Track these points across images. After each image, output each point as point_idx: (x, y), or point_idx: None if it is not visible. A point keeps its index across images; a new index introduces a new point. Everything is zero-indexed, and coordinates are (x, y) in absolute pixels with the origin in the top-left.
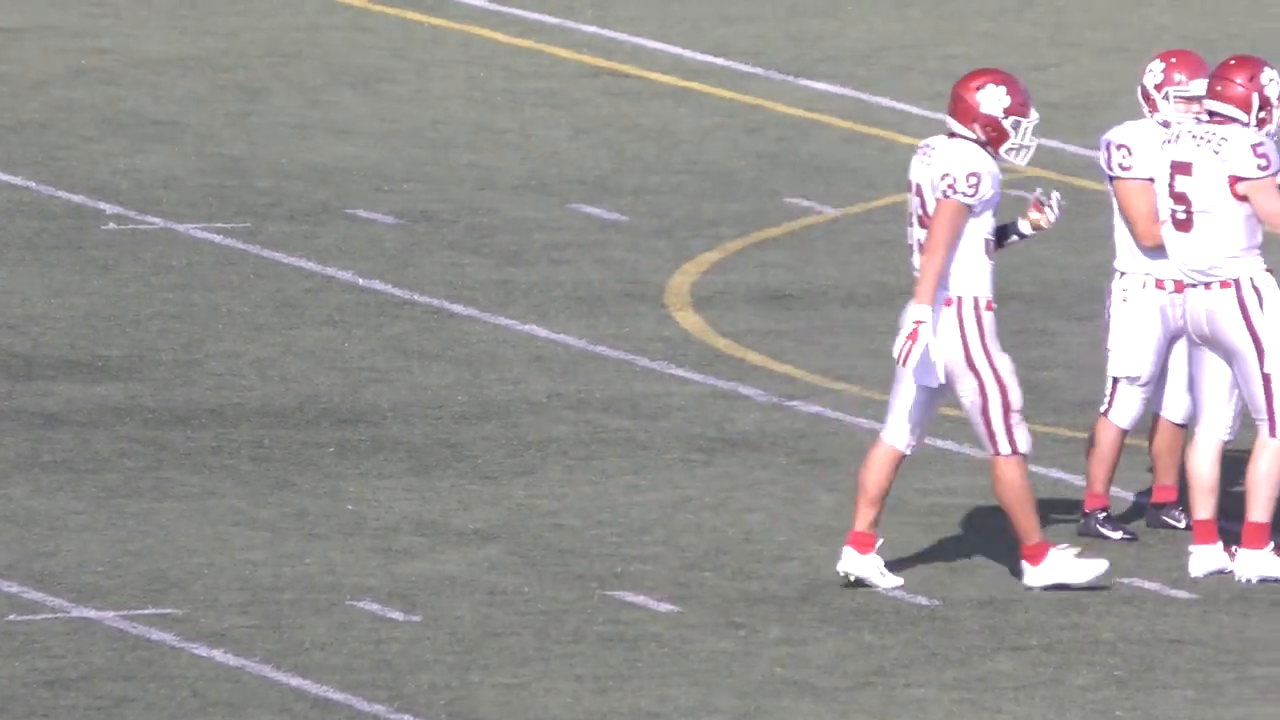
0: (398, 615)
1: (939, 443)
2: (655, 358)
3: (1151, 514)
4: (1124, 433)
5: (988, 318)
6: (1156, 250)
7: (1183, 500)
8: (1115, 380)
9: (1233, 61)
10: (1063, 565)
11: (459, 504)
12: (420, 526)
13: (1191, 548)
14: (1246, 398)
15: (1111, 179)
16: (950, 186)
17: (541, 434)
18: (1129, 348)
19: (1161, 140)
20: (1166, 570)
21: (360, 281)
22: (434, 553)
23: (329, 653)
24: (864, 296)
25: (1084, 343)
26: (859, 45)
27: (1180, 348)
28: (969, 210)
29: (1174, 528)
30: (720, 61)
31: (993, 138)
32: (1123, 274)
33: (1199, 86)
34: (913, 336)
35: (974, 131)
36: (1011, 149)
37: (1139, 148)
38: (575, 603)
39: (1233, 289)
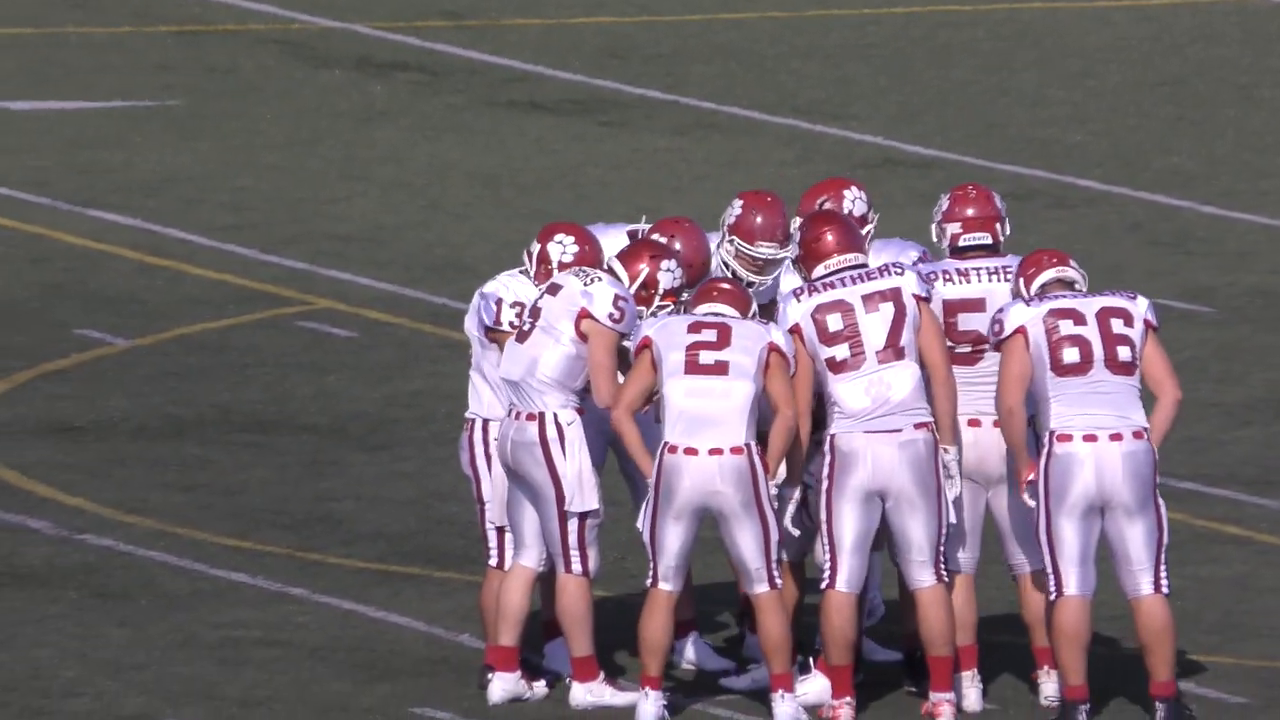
0: None
1: (232, 575)
2: None
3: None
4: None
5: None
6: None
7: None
8: (499, 529)
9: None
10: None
11: None
12: None
13: (492, 675)
14: (548, 535)
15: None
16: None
17: None
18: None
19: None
20: (458, 699)
21: None
22: None
23: None
24: (155, 429)
25: (375, 474)
26: (148, 177)
27: None
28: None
29: None
30: (2, 191)
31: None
32: (472, 421)
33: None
34: None
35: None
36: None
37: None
38: None
39: (536, 423)
